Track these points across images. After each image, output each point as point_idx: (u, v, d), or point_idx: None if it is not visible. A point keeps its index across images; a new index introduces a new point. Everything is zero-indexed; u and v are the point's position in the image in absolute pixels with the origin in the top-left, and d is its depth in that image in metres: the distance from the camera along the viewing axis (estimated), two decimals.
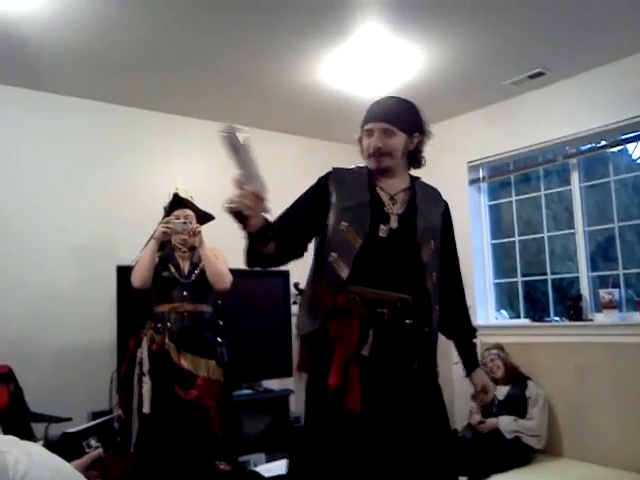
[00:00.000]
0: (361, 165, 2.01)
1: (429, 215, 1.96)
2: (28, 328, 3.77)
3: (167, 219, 3.11)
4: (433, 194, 2.07)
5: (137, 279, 3.08)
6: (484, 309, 4.58)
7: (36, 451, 1.10)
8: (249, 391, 4.24)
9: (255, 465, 3.44)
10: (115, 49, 3.43)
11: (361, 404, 1.70)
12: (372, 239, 1.85)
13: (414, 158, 2.00)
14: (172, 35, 3.30)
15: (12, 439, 1.12)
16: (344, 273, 1.81)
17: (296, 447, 1.95)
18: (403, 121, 1.93)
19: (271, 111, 4.50)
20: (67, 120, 4.10)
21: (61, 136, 4.09)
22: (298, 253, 1.93)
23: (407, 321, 1.81)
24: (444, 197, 2.09)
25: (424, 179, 2.07)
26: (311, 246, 1.98)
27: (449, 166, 4.49)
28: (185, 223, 3.10)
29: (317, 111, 4.49)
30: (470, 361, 2.05)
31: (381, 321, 1.78)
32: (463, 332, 2.08)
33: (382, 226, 1.88)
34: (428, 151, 2.04)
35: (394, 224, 1.89)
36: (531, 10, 3.07)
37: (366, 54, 3.56)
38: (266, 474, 2.91)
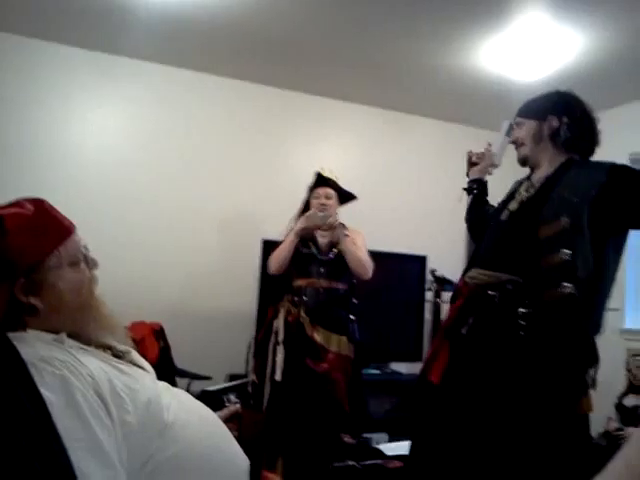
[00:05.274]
0: None
1: (570, 191, 1.78)
2: (180, 291, 4.10)
3: (308, 213, 3.14)
4: (590, 169, 1.87)
5: (273, 266, 3.20)
6: (636, 312, 4.25)
7: (185, 397, 1.21)
8: (377, 371, 4.29)
9: (377, 443, 3.48)
10: (283, 33, 3.61)
11: (443, 377, 1.82)
12: (494, 225, 1.96)
13: (556, 139, 1.92)
14: (336, 26, 3.41)
15: (165, 385, 1.24)
16: (469, 258, 2.04)
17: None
18: (531, 109, 1.98)
19: (424, 96, 4.49)
20: (219, 99, 4.36)
21: (213, 115, 4.35)
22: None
23: (520, 306, 1.75)
24: None
25: None
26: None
27: (609, 158, 4.17)
28: (325, 216, 3.08)
29: (471, 97, 4.40)
30: None
31: (491, 303, 1.81)
32: None
33: (505, 210, 1.95)
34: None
35: (514, 206, 1.93)
36: None
37: (526, 39, 3.46)
38: (388, 452, 2.93)
